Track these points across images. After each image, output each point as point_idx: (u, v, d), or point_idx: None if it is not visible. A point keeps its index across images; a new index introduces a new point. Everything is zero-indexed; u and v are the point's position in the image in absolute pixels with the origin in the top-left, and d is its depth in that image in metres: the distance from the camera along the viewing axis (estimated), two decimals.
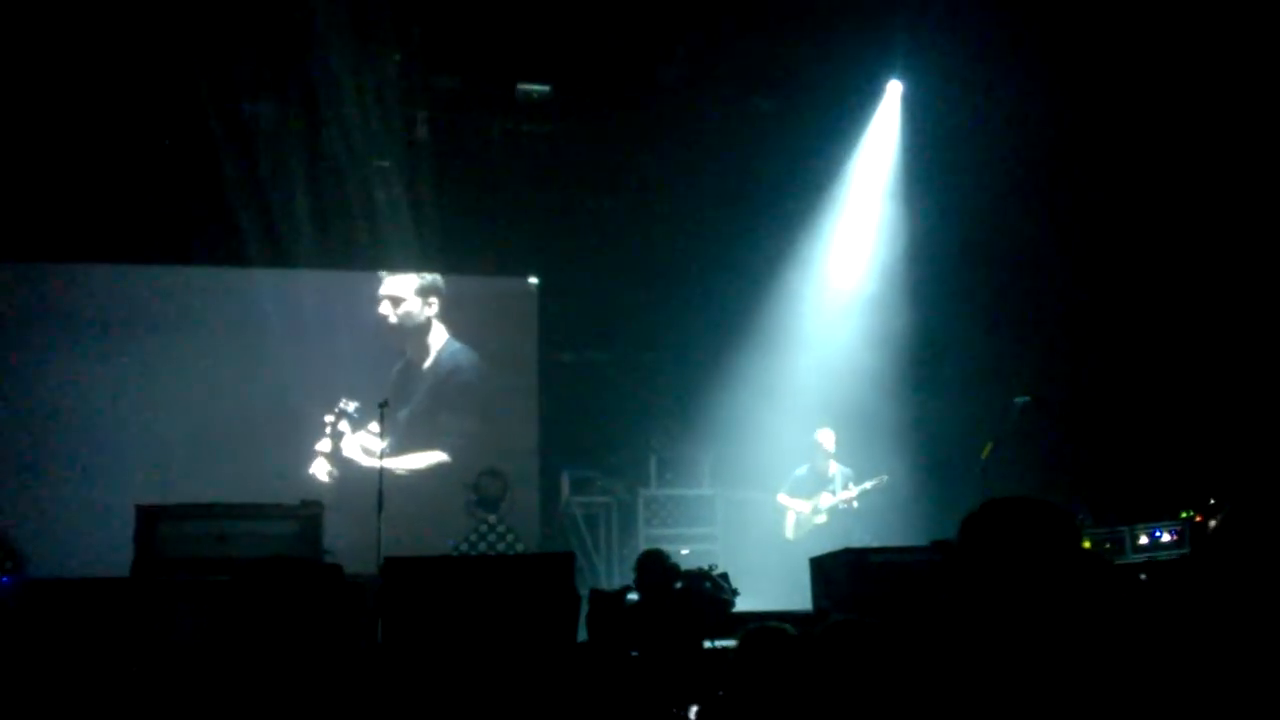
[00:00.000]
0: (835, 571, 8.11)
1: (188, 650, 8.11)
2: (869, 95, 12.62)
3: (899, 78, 12.43)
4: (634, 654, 7.39)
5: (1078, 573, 2.64)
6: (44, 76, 11.05)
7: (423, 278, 13.52)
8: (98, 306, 12.72)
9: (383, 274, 13.45)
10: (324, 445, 12.88)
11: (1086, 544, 9.56)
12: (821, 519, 12.14)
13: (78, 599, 9.30)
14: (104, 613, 8.91)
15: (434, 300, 13.55)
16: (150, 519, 9.11)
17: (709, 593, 8.03)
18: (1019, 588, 2.60)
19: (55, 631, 8.79)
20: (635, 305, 13.84)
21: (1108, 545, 9.69)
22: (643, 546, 10.30)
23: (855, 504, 12.02)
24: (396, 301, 13.42)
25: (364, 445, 12.76)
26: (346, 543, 10.83)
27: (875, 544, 10.65)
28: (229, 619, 2.24)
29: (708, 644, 7.59)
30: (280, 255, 12.81)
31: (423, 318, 13.52)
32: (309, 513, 9.61)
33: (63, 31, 10.64)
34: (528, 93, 12.12)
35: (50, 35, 10.65)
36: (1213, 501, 9.53)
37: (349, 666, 2.25)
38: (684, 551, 11.37)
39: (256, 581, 2.28)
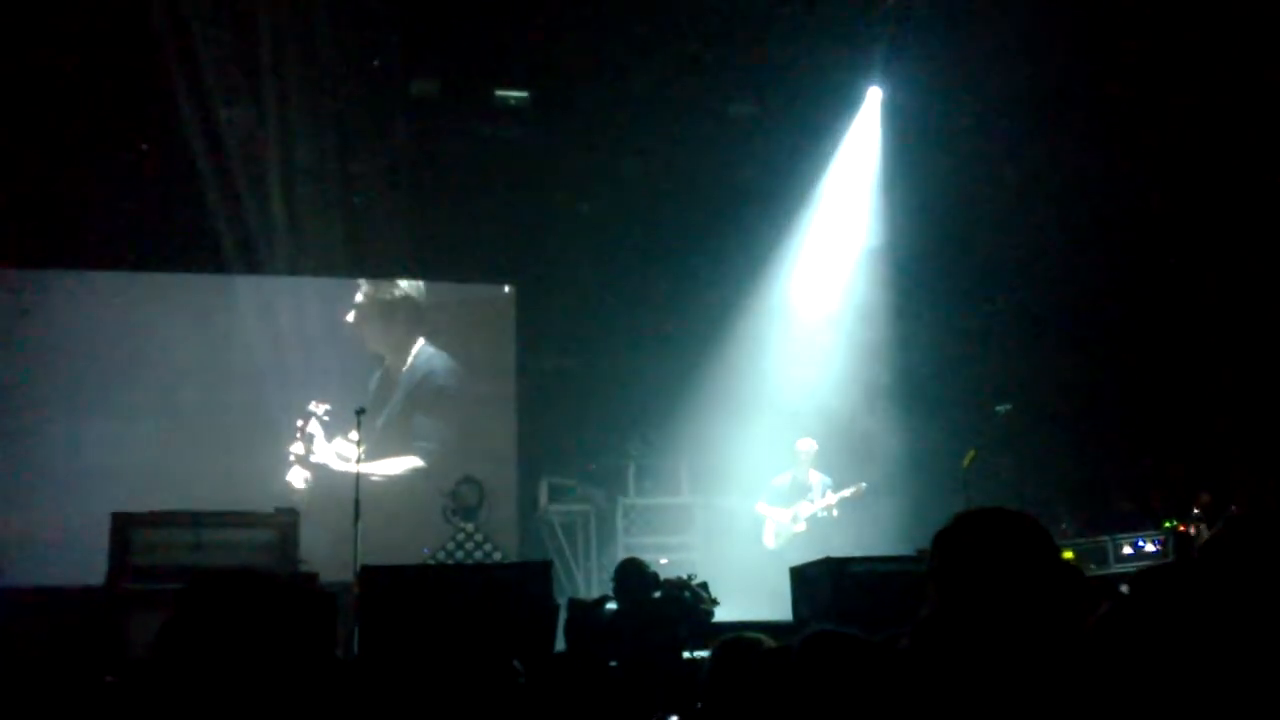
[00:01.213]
0: (816, 581, 8.06)
1: (156, 661, 8.04)
2: (848, 101, 12.60)
3: (878, 84, 12.40)
4: (612, 664, 7.32)
5: (1053, 584, 2.58)
6: (16, 83, 10.96)
7: (392, 294, 13.42)
8: (73, 313, 12.60)
9: (358, 295, 13.36)
10: (297, 449, 12.78)
11: (1069, 554, 9.56)
12: (801, 527, 12.09)
13: (52, 607, 9.21)
14: (78, 620, 8.83)
15: (402, 315, 13.47)
16: (125, 527, 9.03)
17: (688, 602, 7.97)
18: (994, 600, 2.55)
19: (29, 639, 8.70)
20: (613, 312, 13.79)
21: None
22: (621, 555, 10.25)
23: (835, 512, 11.99)
24: (363, 321, 13.37)
25: (339, 452, 12.66)
26: (323, 550, 10.75)
27: (856, 552, 10.62)
28: (184, 632, 2.15)
29: (687, 654, 7.53)
30: (258, 262, 12.73)
31: (398, 331, 13.44)
32: (284, 520, 9.55)
33: (37, 36, 10.55)
34: (506, 99, 12.06)
35: (24, 40, 10.56)
36: (1196, 511, 9.55)
37: (320, 677, 2.18)
38: (663, 560, 11.33)
39: (209, 595, 2.20)
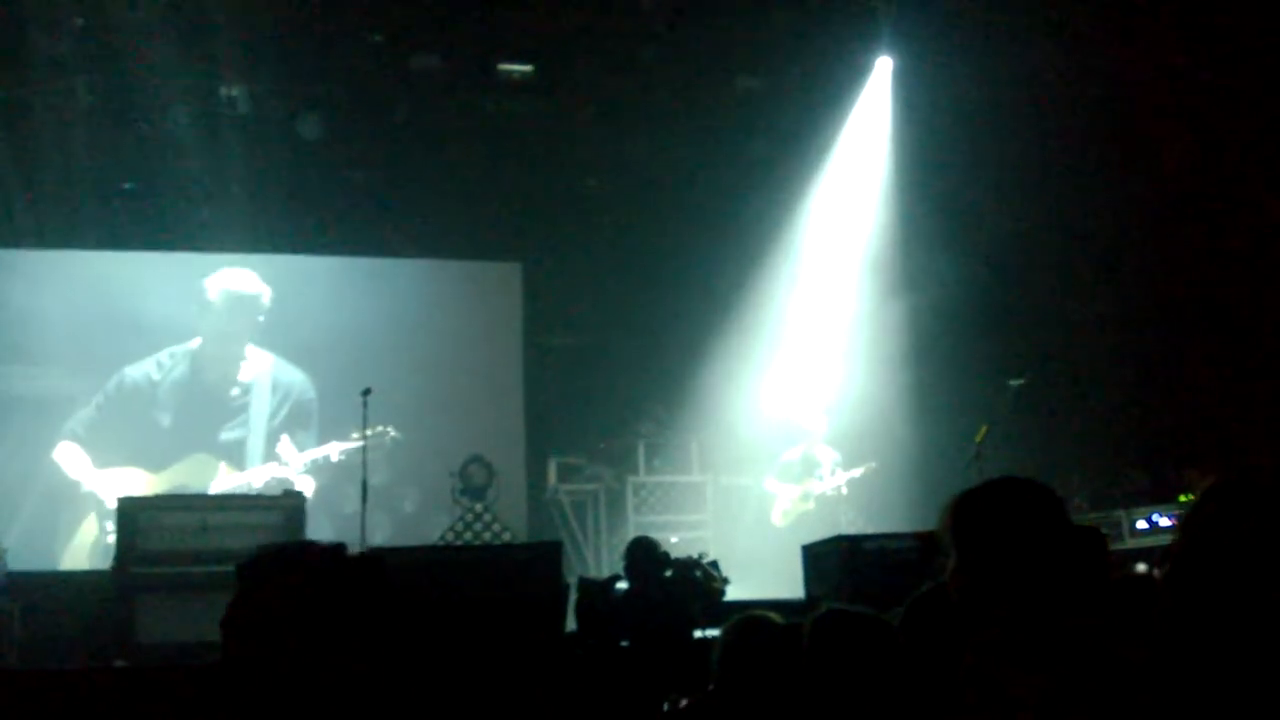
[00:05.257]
0: (828, 559, 8.00)
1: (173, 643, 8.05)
2: (858, 72, 12.46)
3: (889, 53, 12.26)
4: (623, 644, 7.29)
5: (1070, 549, 2.57)
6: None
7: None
8: (68, 297, 12.52)
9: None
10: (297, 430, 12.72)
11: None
12: (810, 505, 12.06)
13: (61, 591, 9.23)
14: (87, 604, 8.85)
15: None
16: (132, 511, 9.02)
17: (700, 581, 7.93)
18: (1015, 573, 2.52)
19: (41, 624, 8.72)
20: (621, 288, 13.70)
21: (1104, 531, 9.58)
22: (632, 534, 10.20)
23: (844, 490, 11.96)
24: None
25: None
26: (330, 533, 10.75)
27: (867, 529, 10.58)
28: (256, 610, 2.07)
29: (699, 633, 7.49)
30: (258, 241, 12.67)
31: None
32: (291, 503, 9.54)
33: None
34: (509, 72, 11.96)
35: None
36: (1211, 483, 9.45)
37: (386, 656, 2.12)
38: (673, 539, 11.29)
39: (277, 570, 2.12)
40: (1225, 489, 2.60)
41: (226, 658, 2.03)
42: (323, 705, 1.97)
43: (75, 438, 12.21)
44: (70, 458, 12.11)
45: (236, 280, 12.72)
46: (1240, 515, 2.53)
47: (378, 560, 2.20)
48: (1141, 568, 7.82)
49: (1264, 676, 2.34)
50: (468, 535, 11.88)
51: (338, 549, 2.20)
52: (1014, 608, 2.48)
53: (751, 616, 4.24)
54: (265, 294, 12.77)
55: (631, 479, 12.83)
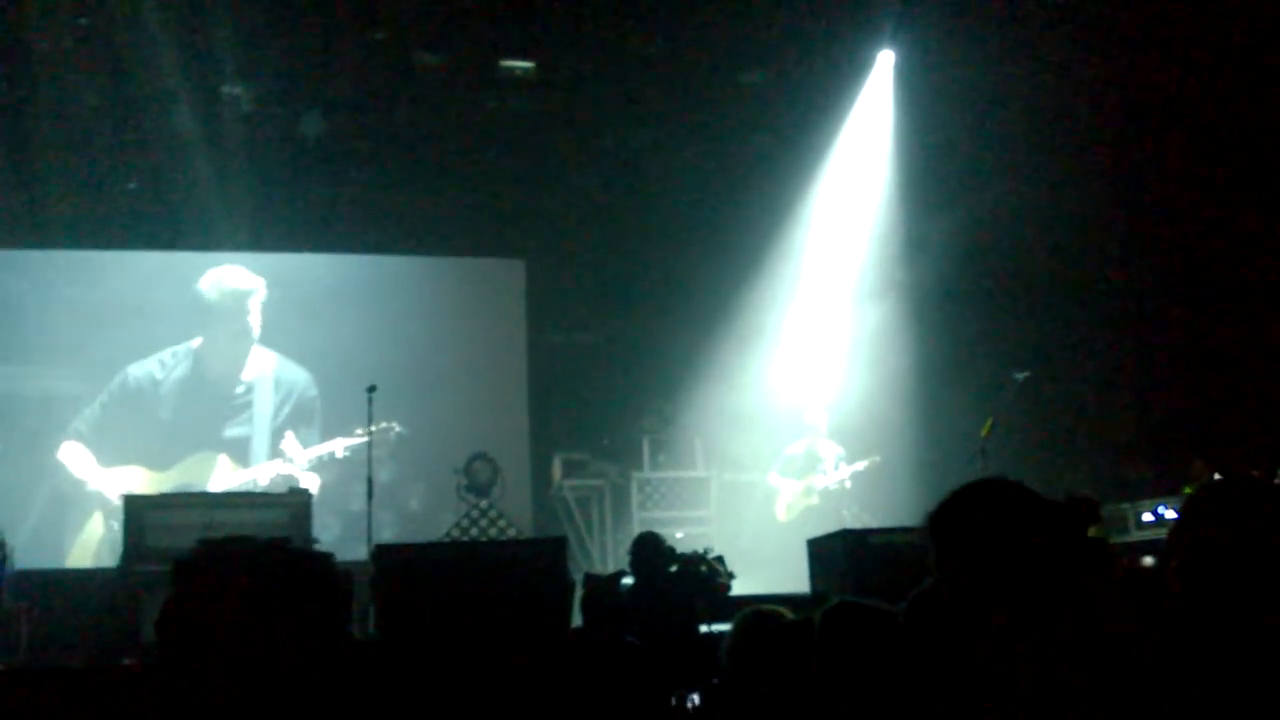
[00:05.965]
0: (833, 553, 7.98)
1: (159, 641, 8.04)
2: (860, 66, 12.43)
3: (890, 47, 12.24)
4: (629, 639, 7.29)
5: (1051, 543, 2.54)
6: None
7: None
8: (71, 296, 12.53)
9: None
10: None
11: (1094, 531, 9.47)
12: (813, 500, 12.05)
13: (69, 590, 9.24)
14: (95, 603, 8.85)
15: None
16: (138, 509, 9.03)
17: (705, 576, 7.94)
18: (988, 573, 2.53)
19: (50, 623, 8.72)
20: (626, 284, 13.70)
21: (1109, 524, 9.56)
22: (636, 530, 10.20)
23: (848, 484, 11.94)
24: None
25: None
26: (337, 530, 10.77)
27: (871, 523, 10.57)
28: (188, 608, 2.05)
29: (704, 628, 7.49)
30: (261, 239, 12.67)
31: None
32: (297, 500, 9.55)
33: None
34: (511, 69, 11.95)
35: None
36: (1217, 476, 9.44)
37: (340, 656, 2.09)
38: (678, 535, 11.28)
39: (215, 567, 2.09)
40: (1221, 488, 2.61)
41: (161, 661, 2.01)
42: (266, 710, 1.95)
43: (80, 437, 12.22)
44: (75, 457, 12.11)
45: (227, 277, 12.71)
46: (1237, 513, 2.53)
47: (326, 556, 2.17)
48: (1149, 561, 7.81)
49: (1269, 674, 2.34)
50: (473, 532, 11.89)
51: (282, 544, 2.17)
52: (1006, 609, 2.47)
53: (761, 610, 4.24)
54: (258, 286, 12.75)
55: (636, 475, 12.84)
